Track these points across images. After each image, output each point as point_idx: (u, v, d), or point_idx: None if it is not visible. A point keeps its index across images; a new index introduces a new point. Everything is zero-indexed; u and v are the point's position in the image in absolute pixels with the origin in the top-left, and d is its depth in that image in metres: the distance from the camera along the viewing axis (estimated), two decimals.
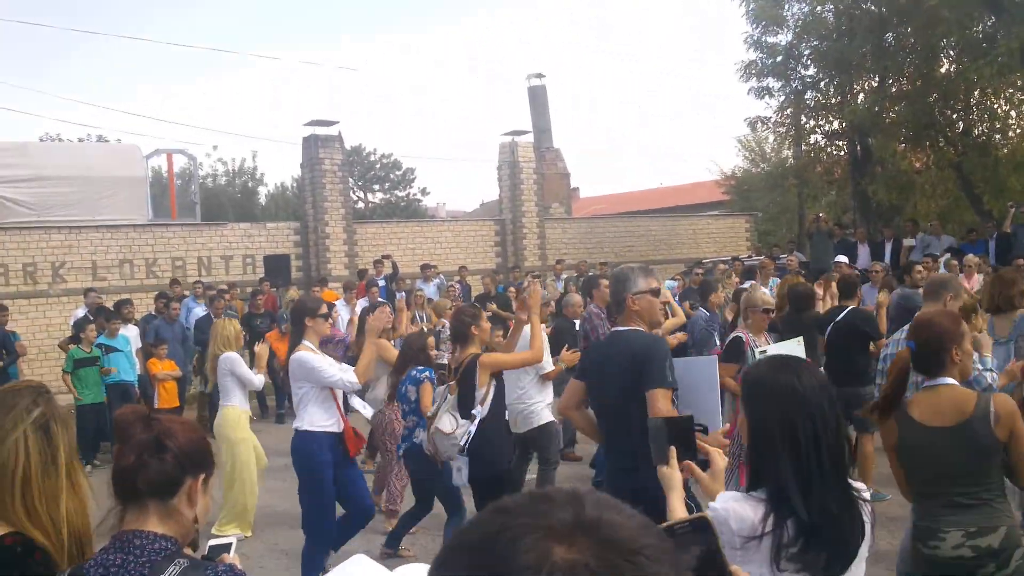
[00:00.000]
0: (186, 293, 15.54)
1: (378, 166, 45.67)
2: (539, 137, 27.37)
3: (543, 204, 26.17)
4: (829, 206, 24.77)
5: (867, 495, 2.48)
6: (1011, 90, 18.76)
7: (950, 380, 3.53)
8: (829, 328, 7.99)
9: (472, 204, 60.93)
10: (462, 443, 5.60)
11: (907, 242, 16.65)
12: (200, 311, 14.43)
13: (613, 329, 4.51)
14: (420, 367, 7.14)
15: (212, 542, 2.28)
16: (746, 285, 9.94)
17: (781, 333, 7.44)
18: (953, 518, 3.44)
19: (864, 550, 2.42)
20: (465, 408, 5.69)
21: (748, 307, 6.79)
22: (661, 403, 3.90)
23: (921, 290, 7.42)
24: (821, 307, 9.16)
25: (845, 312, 8.06)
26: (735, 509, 2.39)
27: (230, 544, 2.27)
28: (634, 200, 41.03)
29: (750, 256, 19.94)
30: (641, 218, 29.37)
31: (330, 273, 20.31)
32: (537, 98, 28.02)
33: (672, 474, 2.49)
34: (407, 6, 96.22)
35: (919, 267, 10.60)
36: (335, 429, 6.10)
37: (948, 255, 14.08)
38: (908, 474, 3.60)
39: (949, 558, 3.44)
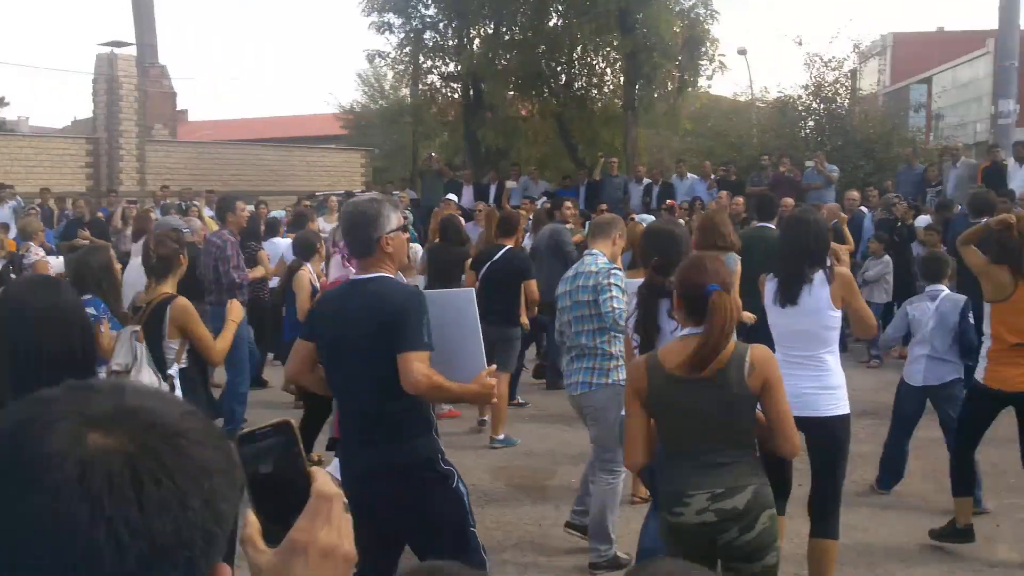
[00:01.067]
0: None
1: None
2: (143, 52, 25.22)
3: (145, 124, 24.23)
4: (442, 147, 25.45)
5: None
6: (608, 49, 20.36)
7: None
8: (485, 267, 7.66)
9: (63, 121, 55.00)
10: None
11: (509, 184, 17.51)
12: None
13: (354, 277, 3.73)
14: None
15: None
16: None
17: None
18: (700, 479, 3.20)
19: None
20: (158, 365, 4.52)
21: None
22: (417, 368, 3.26)
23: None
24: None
25: (503, 251, 7.72)
26: None
27: None
28: (247, 127, 39.30)
29: (363, 190, 19.92)
30: (254, 146, 28.30)
31: None
32: (142, 8, 25.65)
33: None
34: None
35: (568, 203, 11.57)
36: None
37: (544, 199, 15.00)
38: (659, 430, 3.36)
39: (693, 524, 3.19)
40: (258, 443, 1.00)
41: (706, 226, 6.09)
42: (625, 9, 17.60)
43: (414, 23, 21.12)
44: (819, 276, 4.33)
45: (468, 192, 17.38)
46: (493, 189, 17.64)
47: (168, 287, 4.84)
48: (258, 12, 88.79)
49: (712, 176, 15.87)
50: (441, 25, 21.43)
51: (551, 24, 20.33)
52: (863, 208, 12.82)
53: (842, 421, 4.31)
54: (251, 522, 0.98)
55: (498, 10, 20.08)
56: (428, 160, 20.15)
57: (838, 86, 21.63)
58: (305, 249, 7.90)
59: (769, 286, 4.52)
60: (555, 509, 5.91)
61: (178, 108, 30.70)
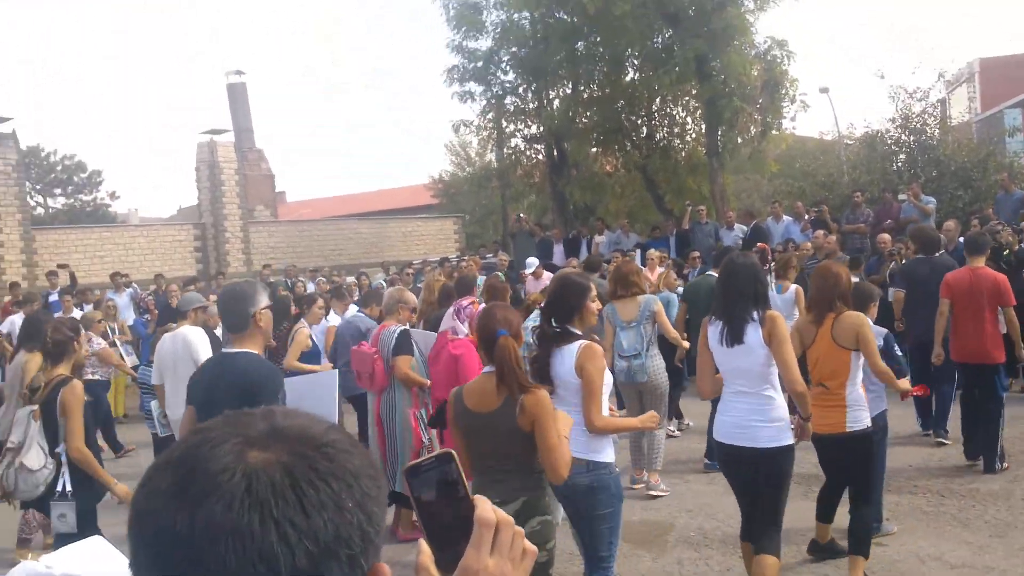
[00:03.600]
0: None
1: (59, 168, 41.94)
2: (240, 137, 26.40)
3: (247, 207, 25.24)
4: (530, 207, 25.85)
5: None
6: (687, 98, 20.52)
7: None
8: None
9: (169, 210, 57.61)
10: (56, 487, 4.94)
11: (597, 239, 17.68)
12: None
13: (223, 350, 4.18)
14: None
15: None
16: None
17: None
18: (487, 492, 3.59)
19: None
20: (51, 442, 4.96)
21: (399, 303, 7.09)
22: None
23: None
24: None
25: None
26: None
27: None
28: (343, 204, 40.62)
29: (459, 256, 20.36)
30: (350, 221, 29.14)
31: (4, 284, 18.33)
32: (237, 96, 26.99)
33: None
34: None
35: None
36: None
37: (638, 250, 15.12)
38: (466, 453, 3.88)
39: None
40: (422, 474, 1.05)
41: (617, 277, 7.31)
42: (701, 57, 17.77)
43: (495, 89, 21.70)
44: (756, 316, 4.57)
45: (559, 250, 17.62)
46: (584, 244, 17.85)
47: (63, 369, 5.17)
48: (348, 95, 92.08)
49: (805, 217, 15.75)
50: (520, 89, 21.96)
51: (628, 79, 20.63)
52: (963, 239, 12.48)
53: (784, 452, 4.56)
54: (424, 550, 1.03)
55: (575, 70, 20.50)
56: (517, 222, 20.52)
57: (926, 116, 21.23)
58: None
59: (712, 328, 4.74)
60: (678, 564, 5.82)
61: (277, 189, 31.97)
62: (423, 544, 1.03)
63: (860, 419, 5.11)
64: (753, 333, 4.54)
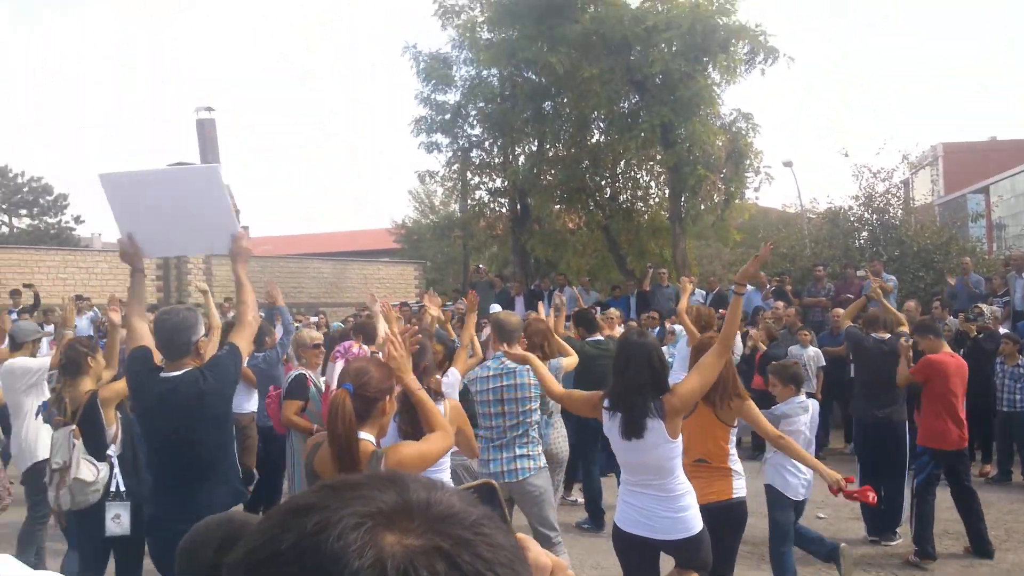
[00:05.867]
0: None
1: (25, 189, 41.53)
2: None
3: None
4: (492, 258, 25.82)
5: None
6: (651, 163, 20.63)
7: (364, 435, 3.28)
8: None
9: None
10: (112, 488, 5.14)
11: (557, 294, 17.53)
12: None
13: (164, 375, 4.22)
14: None
15: None
16: None
17: None
18: None
19: None
20: (98, 451, 5.16)
21: (299, 346, 7.28)
22: None
23: None
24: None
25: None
26: None
27: None
28: (306, 242, 40.45)
29: (418, 302, 20.19)
30: (312, 260, 29.03)
31: None
32: (205, 131, 26.86)
33: None
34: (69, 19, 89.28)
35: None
36: None
37: (597, 309, 15.04)
38: None
39: None
40: None
41: (529, 332, 6.73)
42: (667, 124, 17.88)
43: (461, 142, 21.73)
44: (656, 407, 4.24)
45: (520, 303, 17.53)
46: (546, 297, 17.74)
47: (89, 384, 5.39)
48: (313, 135, 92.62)
49: (768, 286, 15.80)
50: (487, 143, 22.00)
51: (593, 140, 20.73)
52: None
53: (697, 538, 4.36)
54: None
55: (540, 128, 20.57)
56: (476, 271, 20.41)
57: (890, 196, 21.47)
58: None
59: (609, 418, 4.39)
60: None
61: (241, 224, 31.75)
62: None
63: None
64: (656, 426, 4.23)
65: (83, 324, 15.17)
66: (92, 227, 50.67)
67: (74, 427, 5.20)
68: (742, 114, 18.87)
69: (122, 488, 5.13)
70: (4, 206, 40.55)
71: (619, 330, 12.26)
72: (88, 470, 5.07)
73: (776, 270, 18.41)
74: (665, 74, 17.68)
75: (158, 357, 4.29)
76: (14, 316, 14.44)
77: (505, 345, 5.47)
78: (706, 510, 4.75)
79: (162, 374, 4.21)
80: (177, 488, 4.16)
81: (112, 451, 5.18)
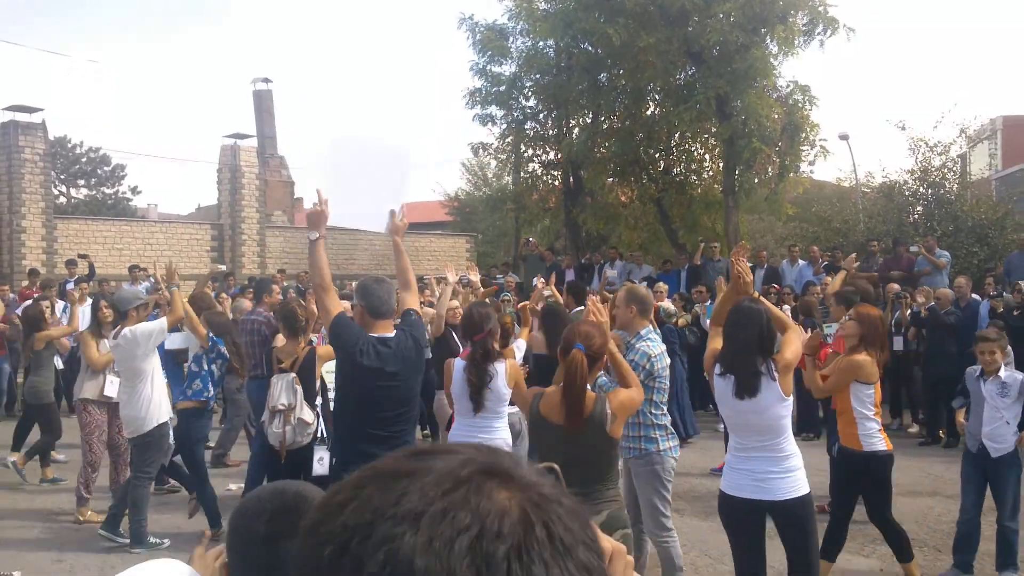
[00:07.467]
0: None
1: (84, 160, 42.40)
2: (263, 143, 26.65)
3: (265, 211, 25.45)
4: (543, 231, 25.91)
5: None
6: (706, 136, 20.57)
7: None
8: None
9: (188, 208, 57.96)
10: (318, 434, 6.03)
11: (608, 271, 17.66)
12: None
13: (377, 335, 4.73)
14: None
15: None
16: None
17: None
18: None
19: None
20: (309, 399, 6.15)
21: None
22: None
23: None
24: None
25: None
26: None
27: None
28: None
29: (464, 275, 20.37)
30: (364, 233, 29.31)
31: (24, 269, 18.58)
32: (262, 103, 27.30)
33: None
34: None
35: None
36: None
37: (646, 283, 15.16)
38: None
39: None
40: None
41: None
42: (723, 96, 17.81)
43: (515, 114, 21.77)
44: (769, 367, 4.38)
45: (570, 276, 17.63)
46: (596, 272, 17.89)
47: (304, 341, 6.40)
48: (369, 106, 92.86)
49: (820, 261, 15.81)
50: (541, 116, 22.04)
51: (648, 113, 20.67)
52: (976, 296, 12.49)
53: (802, 501, 4.45)
54: None
55: (596, 100, 20.56)
56: (526, 245, 20.56)
57: (946, 171, 21.24)
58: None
59: (721, 380, 4.51)
60: None
61: (295, 196, 32.20)
62: None
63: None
64: (770, 385, 4.36)
65: (141, 291, 15.42)
66: (148, 198, 51.66)
67: (294, 376, 6.15)
68: (799, 86, 18.72)
69: (326, 435, 5.97)
70: (63, 177, 41.37)
71: (667, 302, 12.35)
72: (309, 413, 5.98)
73: (828, 244, 18.36)
74: (722, 45, 17.59)
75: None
76: (70, 285, 14.88)
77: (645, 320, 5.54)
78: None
79: (373, 334, 4.51)
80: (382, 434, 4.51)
81: (319, 403, 6.09)
